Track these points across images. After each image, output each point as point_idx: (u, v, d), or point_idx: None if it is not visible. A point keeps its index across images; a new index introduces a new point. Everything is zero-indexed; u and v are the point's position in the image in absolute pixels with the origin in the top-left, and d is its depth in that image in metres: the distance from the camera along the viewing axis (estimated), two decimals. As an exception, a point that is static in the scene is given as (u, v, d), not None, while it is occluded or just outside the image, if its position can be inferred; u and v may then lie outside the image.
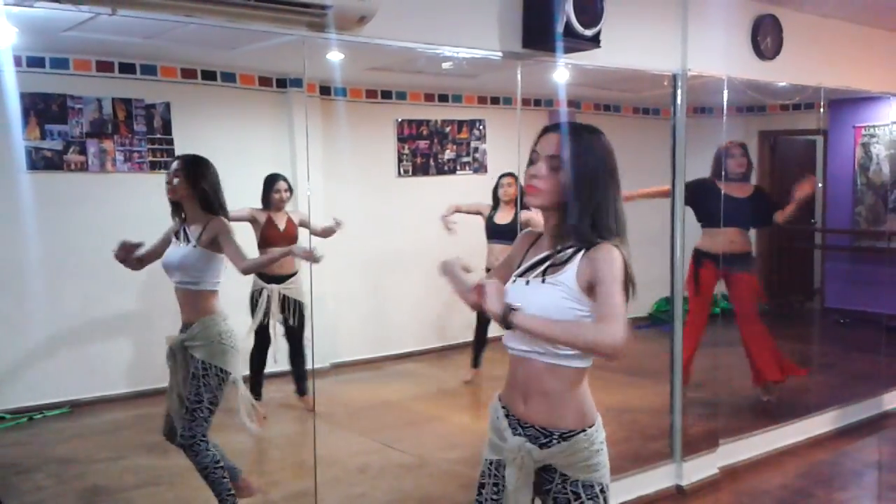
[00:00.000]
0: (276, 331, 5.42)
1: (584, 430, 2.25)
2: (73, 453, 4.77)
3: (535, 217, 5.61)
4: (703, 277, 5.60)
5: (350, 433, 5.05)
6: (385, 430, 5.32)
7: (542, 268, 2.21)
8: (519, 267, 2.31)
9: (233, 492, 3.78)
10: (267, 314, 5.41)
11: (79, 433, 5.12)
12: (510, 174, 6.17)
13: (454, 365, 6.66)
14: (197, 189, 3.86)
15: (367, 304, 6.67)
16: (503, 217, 6.17)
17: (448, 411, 5.68)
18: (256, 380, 5.56)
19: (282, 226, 5.54)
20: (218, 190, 3.91)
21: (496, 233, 6.18)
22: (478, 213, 6.27)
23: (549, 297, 2.12)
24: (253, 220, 5.49)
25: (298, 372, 5.60)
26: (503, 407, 2.31)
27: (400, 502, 4.22)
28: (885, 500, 4.68)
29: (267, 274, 5.45)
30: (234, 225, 4.06)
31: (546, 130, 2.25)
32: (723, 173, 5.46)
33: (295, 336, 5.53)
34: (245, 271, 3.87)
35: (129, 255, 4.01)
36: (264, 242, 5.49)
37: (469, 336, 7.04)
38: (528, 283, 2.22)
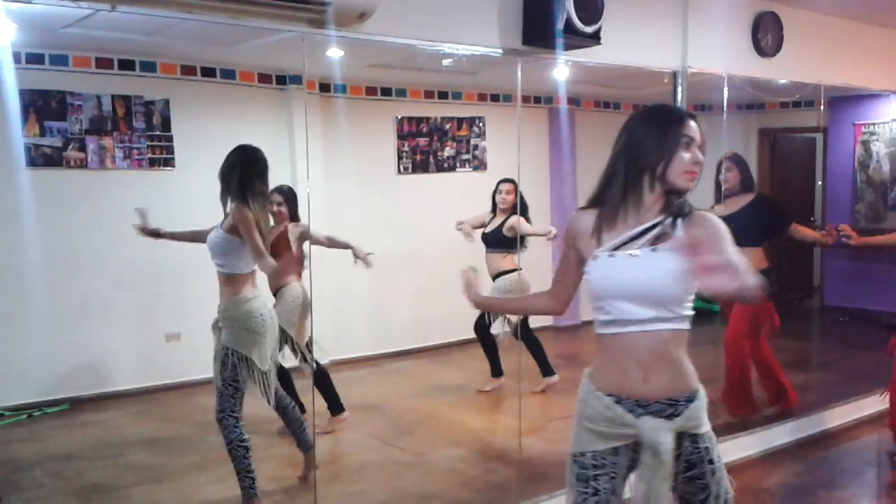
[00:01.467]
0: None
1: (698, 388, 2.34)
2: (72, 450, 4.77)
3: (522, 223, 5.52)
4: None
5: (349, 430, 5.05)
6: (384, 428, 5.32)
7: (644, 239, 2.26)
8: (601, 244, 2.30)
9: (252, 472, 3.82)
10: None
11: (78, 430, 5.12)
12: (510, 181, 5.86)
13: (454, 362, 6.67)
14: (222, 175, 3.88)
15: (366, 302, 6.67)
16: (493, 223, 5.95)
17: (448, 409, 5.68)
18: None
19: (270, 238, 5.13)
20: (242, 178, 3.80)
21: (485, 240, 5.95)
22: (482, 224, 6.04)
23: (676, 264, 2.14)
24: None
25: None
26: (608, 395, 2.29)
27: (399, 500, 4.22)
28: (884, 498, 4.68)
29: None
30: None
31: (687, 116, 2.34)
32: (721, 194, 5.20)
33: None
34: (263, 269, 3.84)
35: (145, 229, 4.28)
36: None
37: (467, 334, 7.05)
38: (632, 255, 2.25)
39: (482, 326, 5.96)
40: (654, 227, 2.27)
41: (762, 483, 4.72)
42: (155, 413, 5.50)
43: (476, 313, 5.73)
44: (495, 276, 5.87)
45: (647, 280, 2.21)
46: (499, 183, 5.96)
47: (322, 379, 5.02)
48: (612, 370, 2.30)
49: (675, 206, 2.29)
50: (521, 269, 5.75)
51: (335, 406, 5.08)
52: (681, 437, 2.27)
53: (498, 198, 5.92)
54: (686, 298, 2.25)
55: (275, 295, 4.87)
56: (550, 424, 5.23)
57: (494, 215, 5.97)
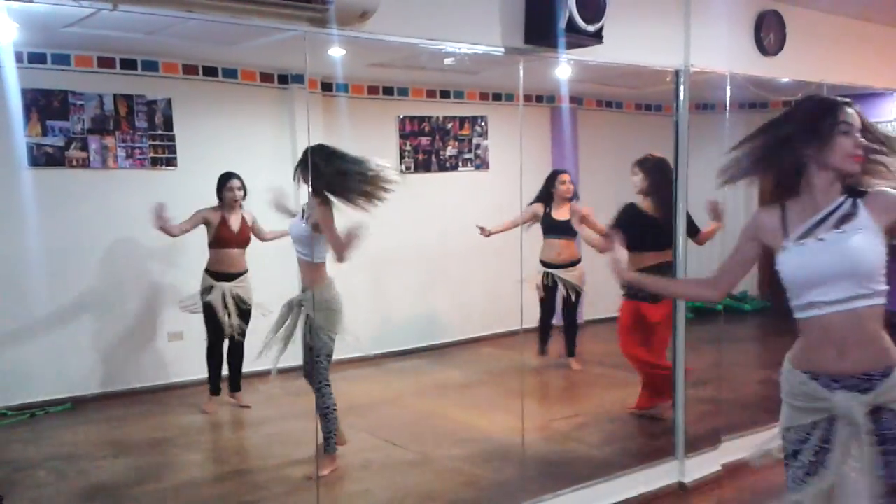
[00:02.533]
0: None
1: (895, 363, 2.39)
2: (74, 450, 4.77)
3: (585, 209, 5.74)
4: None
5: (352, 430, 5.04)
6: (387, 427, 5.32)
7: (828, 223, 2.39)
8: (788, 235, 2.44)
9: (335, 434, 4.42)
10: (215, 311, 5.37)
11: (81, 430, 5.12)
12: (565, 171, 6.34)
13: (456, 361, 6.66)
14: (303, 173, 4.29)
15: (368, 301, 6.66)
16: (561, 213, 6.23)
17: (450, 408, 5.67)
18: (214, 378, 5.53)
19: (236, 226, 5.44)
20: (328, 177, 4.19)
21: (556, 228, 6.25)
22: (534, 218, 6.28)
23: (864, 241, 2.32)
24: (206, 222, 5.39)
25: (236, 369, 5.58)
26: (805, 372, 2.44)
27: (402, 499, 4.21)
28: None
29: (217, 271, 5.42)
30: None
31: (841, 104, 2.42)
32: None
33: (240, 336, 5.48)
34: (340, 260, 4.20)
35: (163, 221, 4.99)
36: (216, 243, 5.42)
37: (469, 333, 7.06)
38: (820, 239, 2.36)
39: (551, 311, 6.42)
40: (835, 210, 2.40)
41: (765, 482, 4.72)
42: (157, 412, 5.50)
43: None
44: (569, 265, 6.25)
45: (839, 261, 2.32)
46: (558, 173, 6.31)
47: (235, 353, 5.51)
48: (809, 350, 2.45)
49: (851, 187, 2.42)
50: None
51: (235, 383, 5.58)
52: (879, 410, 2.35)
53: (562, 188, 6.24)
54: (879, 273, 2.35)
55: (235, 278, 5.46)
56: (553, 423, 5.23)
57: (548, 206, 6.25)
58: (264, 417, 5.48)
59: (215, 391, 5.53)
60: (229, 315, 5.39)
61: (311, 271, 4.40)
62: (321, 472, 4.25)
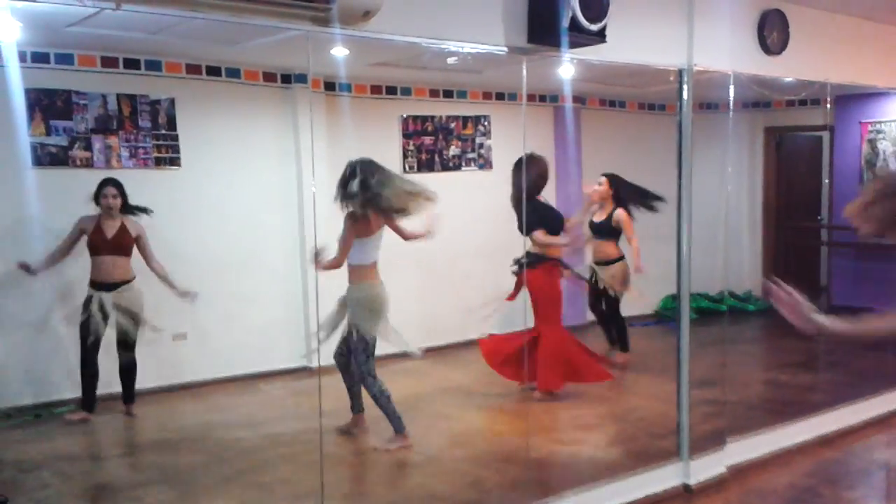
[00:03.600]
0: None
1: None
2: (78, 451, 4.77)
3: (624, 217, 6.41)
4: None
5: (357, 430, 5.03)
6: (391, 428, 5.30)
7: None
8: None
9: (398, 413, 4.78)
10: (95, 324, 5.13)
11: (85, 430, 5.11)
12: (605, 175, 6.59)
13: (461, 362, 6.64)
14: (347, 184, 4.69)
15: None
16: (600, 214, 6.60)
17: (453, 410, 5.67)
18: (88, 394, 5.20)
19: (110, 233, 5.21)
20: (374, 190, 4.61)
21: (594, 229, 6.66)
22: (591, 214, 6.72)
23: None
24: (82, 230, 5.21)
25: (128, 387, 5.31)
26: None
27: (407, 500, 4.21)
28: (893, 499, 4.66)
29: (94, 279, 5.22)
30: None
31: None
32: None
33: (128, 348, 5.26)
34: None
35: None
36: (90, 250, 5.22)
37: (472, 334, 7.04)
38: None
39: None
40: None
41: (770, 484, 4.70)
42: (161, 413, 5.50)
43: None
44: (604, 262, 6.60)
45: None
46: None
47: (123, 366, 5.30)
48: None
49: None
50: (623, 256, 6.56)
51: (126, 395, 5.35)
52: None
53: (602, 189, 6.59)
54: None
55: (116, 287, 5.25)
56: (558, 425, 5.22)
57: (601, 207, 6.61)
58: (265, 418, 5.47)
59: (86, 407, 5.18)
60: (118, 325, 5.18)
61: (349, 272, 4.86)
62: (393, 445, 4.74)
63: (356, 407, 5.06)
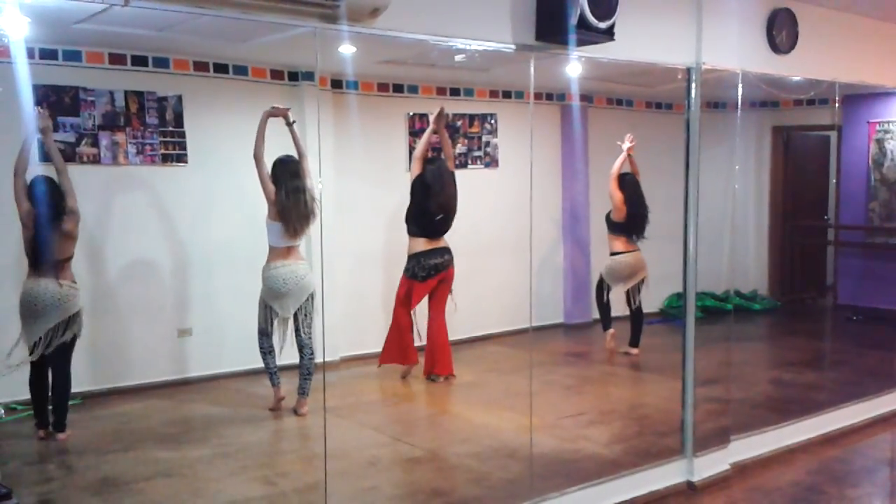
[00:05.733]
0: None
1: None
2: (84, 445, 4.79)
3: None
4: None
5: (359, 426, 5.05)
6: (394, 424, 5.32)
7: None
8: None
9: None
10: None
11: (89, 424, 5.13)
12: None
13: (464, 359, 6.65)
14: None
15: (376, 298, 6.66)
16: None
17: (457, 405, 5.68)
18: (40, 406, 4.78)
19: None
20: None
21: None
22: None
23: None
24: None
25: (60, 401, 4.78)
26: None
27: (409, 496, 4.22)
28: (897, 497, 4.66)
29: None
30: None
31: None
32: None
33: (63, 355, 4.78)
34: None
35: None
36: None
37: (477, 331, 7.05)
38: None
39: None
40: None
41: (774, 481, 4.70)
42: (166, 408, 5.52)
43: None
44: (620, 253, 6.76)
45: None
46: None
47: (61, 381, 4.80)
48: None
49: None
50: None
51: (60, 422, 4.78)
52: None
53: None
54: None
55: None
56: (561, 421, 5.22)
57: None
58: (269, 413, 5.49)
59: (41, 423, 4.78)
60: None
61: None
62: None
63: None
